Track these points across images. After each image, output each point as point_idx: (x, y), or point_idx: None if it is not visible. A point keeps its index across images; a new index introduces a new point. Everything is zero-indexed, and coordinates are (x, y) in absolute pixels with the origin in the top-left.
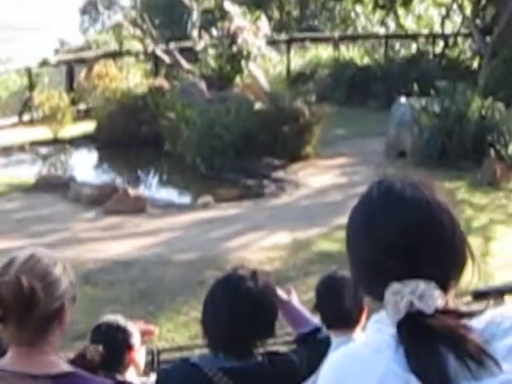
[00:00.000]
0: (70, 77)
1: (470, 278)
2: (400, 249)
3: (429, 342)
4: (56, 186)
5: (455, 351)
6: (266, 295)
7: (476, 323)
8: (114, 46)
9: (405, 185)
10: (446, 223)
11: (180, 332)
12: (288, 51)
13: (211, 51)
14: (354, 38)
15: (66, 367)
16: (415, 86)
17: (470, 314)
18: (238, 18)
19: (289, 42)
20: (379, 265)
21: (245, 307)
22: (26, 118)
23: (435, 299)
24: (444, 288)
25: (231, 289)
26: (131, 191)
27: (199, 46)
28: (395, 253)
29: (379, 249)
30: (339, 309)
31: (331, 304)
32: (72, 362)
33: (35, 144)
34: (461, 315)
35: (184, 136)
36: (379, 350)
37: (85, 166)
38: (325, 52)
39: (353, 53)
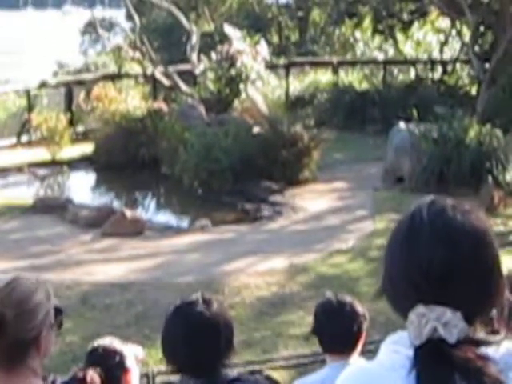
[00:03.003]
0: (69, 98)
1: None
2: (438, 273)
3: (445, 370)
4: (54, 207)
5: (471, 383)
6: (221, 316)
7: (492, 352)
8: (113, 68)
9: (456, 211)
10: (488, 257)
11: None
12: (287, 75)
13: (210, 74)
14: (352, 63)
15: None
16: (414, 112)
17: (488, 343)
18: (238, 41)
19: (288, 67)
20: (413, 284)
21: (200, 332)
22: (24, 139)
23: (459, 329)
24: (470, 319)
25: (184, 316)
26: (129, 213)
27: (198, 69)
28: (432, 276)
29: (417, 268)
30: (337, 333)
31: (329, 328)
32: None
33: (33, 165)
34: (479, 344)
35: (182, 159)
36: (393, 370)
37: (82, 188)
38: (324, 77)
39: (351, 78)
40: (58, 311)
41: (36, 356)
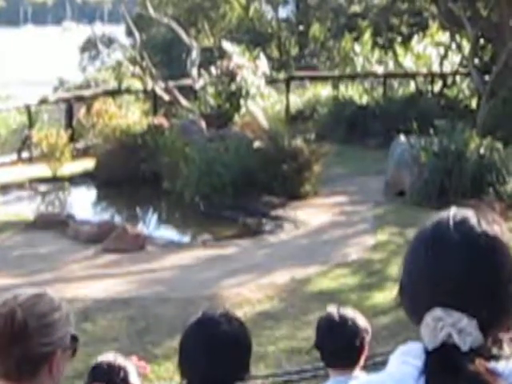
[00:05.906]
0: (70, 114)
1: None
2: (458, 279)
3: (453, 380)
4: (54, 223)
5: None
6: (242, 335)
7: (502, 367)
8: (113, 84)
9: (480, 220)
10: (507, 267)
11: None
12: (287, 90)
13: (210, 89)
14: (352, 77)
15: None
16: (414, 125)
17: (498, 357)
18: (237, 56)
19: (288, 81)
20: (433, 287)
21: (222, 351)
22: (25, 155)
23: (473, 338)
24: (484, 330)
25: (207, 334)
26: (130, 229)
27: (198, 85)
28: (452, 281)
29: (439, 273)
30: (339, 348)
31: (331, 343)
32: None
33: (34, 181)
34: (489, 357)
35: (183, 174)
36: (401, 381)
37: (83, 204)
38: (324, 91)
39: (352, 91)
40: (74, 339)
41: (48, 377)
